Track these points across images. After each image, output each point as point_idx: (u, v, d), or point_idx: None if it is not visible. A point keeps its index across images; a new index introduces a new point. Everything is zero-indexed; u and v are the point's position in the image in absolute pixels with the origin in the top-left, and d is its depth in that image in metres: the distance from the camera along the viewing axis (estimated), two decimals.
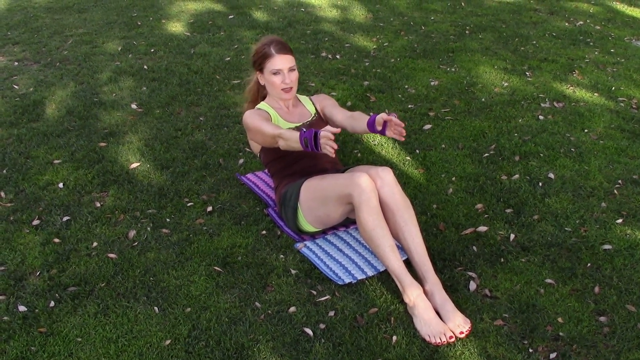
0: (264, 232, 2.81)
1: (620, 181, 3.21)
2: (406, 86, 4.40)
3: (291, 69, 2.84)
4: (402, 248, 2.52)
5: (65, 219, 2.91)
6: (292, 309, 2.35)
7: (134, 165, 3.37)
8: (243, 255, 2.66)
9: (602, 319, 2.31)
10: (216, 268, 2.57)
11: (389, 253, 2.33)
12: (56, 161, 3.42)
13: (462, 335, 2.20)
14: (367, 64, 4.82)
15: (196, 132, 3.75)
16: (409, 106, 4.08)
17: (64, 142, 3.62)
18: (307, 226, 2.69)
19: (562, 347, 2.18)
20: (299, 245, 2.70)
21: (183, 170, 3.32)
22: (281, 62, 2.81)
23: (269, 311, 2.35)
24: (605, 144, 3.58)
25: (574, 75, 4.61)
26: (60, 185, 3.19)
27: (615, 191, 3.12)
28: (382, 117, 2.48)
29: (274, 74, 2.82)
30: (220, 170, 3.33)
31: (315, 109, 3.05)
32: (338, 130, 2.31)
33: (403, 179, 3.22)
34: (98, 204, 3.03)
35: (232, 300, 2.40)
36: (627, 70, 4.72)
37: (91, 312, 2.34)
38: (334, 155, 2.30)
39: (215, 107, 4.09)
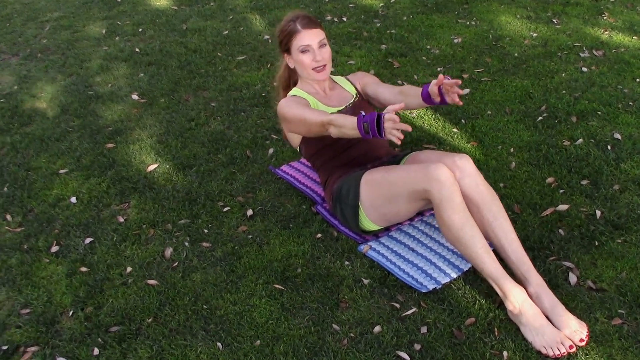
0: (318, 235, 2.47)
1: None
2: (428, 46, 4.02)
3: (322, 44, 2.48)
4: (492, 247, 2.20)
5: (87, 241, 2.54)
6: (377, 328, 2.04)
7: (152, 167, 2.99)
8: (302, 266, 2.32)
9: None
10: (276, 286, 2.23)
11: (484, 255, 2.01)
12: (62, 171, 3.02)
13: (583, 343, 1.90)
14: (378, 24, 4.42)
15: (211, 121, 3.36)
16: (438, 69, 3.72)
17: (66, 147, 3.21)
18: (370, 225, 2.36)
19: None
20: (364, 248, 2.37)
21: (208, 168, 2.95)
22: (309, 37, 2.45)
23: (351, 334, 2.03)
24: None
25: (604, 18, 4.27)
26: (73, 199, 2.80)
27: None
28: (433, 85, 2.14)
29: (303, 51, 2.46)
30: (250, 164, 2.96)
31: (356, 89, 2.68)
32: (402, 105, 1.95)
33: None
34: (121, 219, 2.65)
35: (306, 325, 2.07)
36: None
37: (144, 357, 2.00)
38: (400, 142, 1.95)
39: (225, 89, 3.69)
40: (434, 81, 2.13)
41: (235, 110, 3.45)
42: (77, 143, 3.24)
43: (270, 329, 2.06)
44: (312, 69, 2.49)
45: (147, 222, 2.63)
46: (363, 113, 2.11)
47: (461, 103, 2.10)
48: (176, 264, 2.38)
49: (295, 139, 2.63)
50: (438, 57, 3.88)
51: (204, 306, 2.18)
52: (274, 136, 3.17)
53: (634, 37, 3.95)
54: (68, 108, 3.59)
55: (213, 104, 3.53)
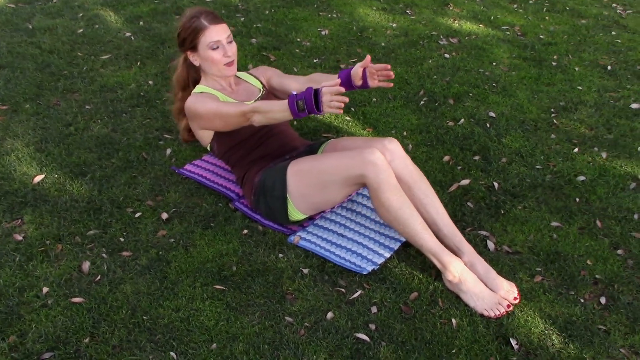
0: (245, 231, 2.44)
1: (552, 110, 3.29)
2: (298, 39, 4.09)
3: (229, 40, 2.47)
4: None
5: None
6: (330, 314, 2.07)
7: (38, 178, 2.73)
8: (237, 263, 2.28)
9: (620, 252, 2.35)
10: (217, 286, 2.17)
11: (422, 231, 2.13)
12: None
13: (517, 301, 2.09)
14: (242, 19, 4.40)
15: (92, 125, 3.14)
16: (314, 61, 3.80)
17: None
18: (298, 215, 2.37)
19: (606, 290, 2.17)
20: (294, 239, 2.38)
21: (104, 174, 2.76)
22: (217, 33, 2.43)
23: (306, 324, 2.04)
24: (519, 75, 3.65)
25: (450, 8, 4.64)
26: None
27: (555, 121, 3.19)
28: (359, 67, 2.25)
29: (213, 48, 2.42)
30: (150, 167, 2.82)
31: (261, 82, 2.68)
32: (338, 81, 2.03)
33: None
34: (19, 237, 2.40)
35: (258, 321, 2.04)
36: None
37: None
38: (341, 112, 2.02)
39: (98, 90, 3.46)
40: (359, 63, 2.21)
41: (116, 112, 3.25)
42: None
43: (224, 330, 2.01)
44: (223, 65, 2.46)
45: (51, 237, 2.41)
46: (295, 92, 2.13)
47: (391, 85, 2.20)
48: (99, 277, 2.22)
49: (205, 138, 2.56)
50: (311, 49, 3.96)
51: (144, 317, 2.06)
52: (167, 136, 3.04)
53: (480, 25, 4.34)
54: None
55: (88, 107, 3.29)
